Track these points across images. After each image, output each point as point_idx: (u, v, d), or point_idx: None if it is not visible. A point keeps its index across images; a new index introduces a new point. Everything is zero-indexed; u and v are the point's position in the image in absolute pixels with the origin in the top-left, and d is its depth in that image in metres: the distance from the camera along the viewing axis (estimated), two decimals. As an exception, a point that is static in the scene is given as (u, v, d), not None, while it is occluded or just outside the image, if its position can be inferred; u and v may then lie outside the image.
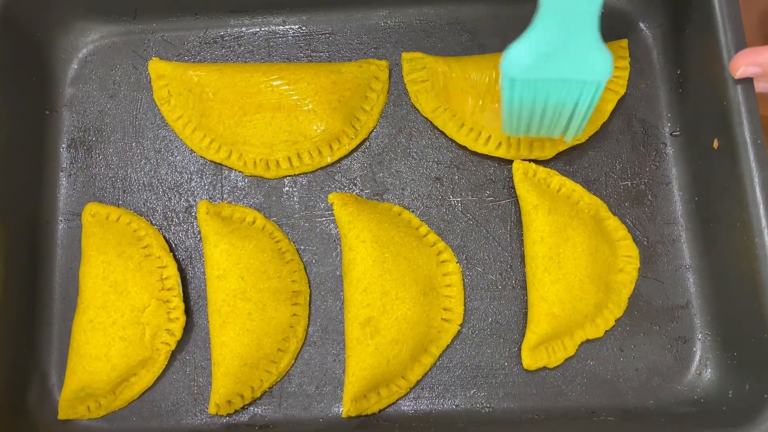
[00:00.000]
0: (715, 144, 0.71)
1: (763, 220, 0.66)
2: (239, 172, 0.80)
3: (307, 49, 0.83)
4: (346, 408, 0.71)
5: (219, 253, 0.74)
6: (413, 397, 0.74)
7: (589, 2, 0.59)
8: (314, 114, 0.78)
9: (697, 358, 0.74)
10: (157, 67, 0.81)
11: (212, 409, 0.72)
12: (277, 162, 0.79)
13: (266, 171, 0.79)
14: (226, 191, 0.80)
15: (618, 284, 0.75)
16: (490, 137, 0.78)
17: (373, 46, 0.83)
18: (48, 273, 0.79)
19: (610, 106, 0.78)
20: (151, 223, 0.79)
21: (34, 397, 0.75)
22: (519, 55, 0.63)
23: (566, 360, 0.74)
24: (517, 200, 0.77)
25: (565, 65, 0.63)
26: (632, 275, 0.75)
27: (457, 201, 0.79)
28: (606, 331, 0.74)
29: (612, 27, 0.81)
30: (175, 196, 0.80)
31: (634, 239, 0.76)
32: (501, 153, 0.77)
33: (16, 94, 0.78)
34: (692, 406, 0.72)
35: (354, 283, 0.73)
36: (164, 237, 0.78)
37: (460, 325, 0.75)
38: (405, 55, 0.81)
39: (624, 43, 0.80)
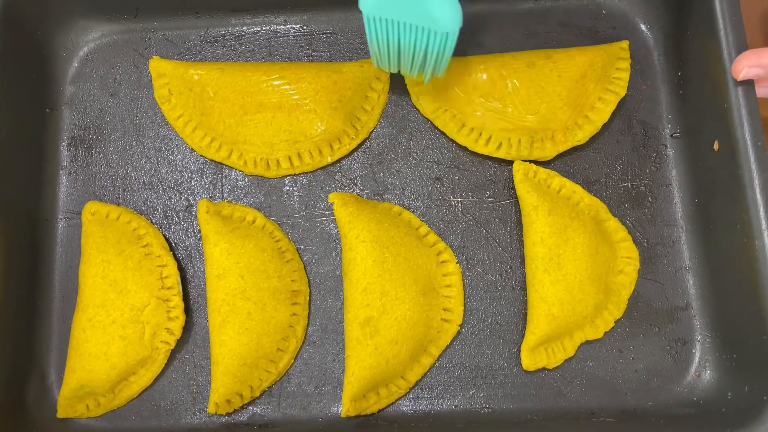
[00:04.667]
0: (716, 146, 0.71)
1: (763, 222, 0.66)
2: (239, 171, 0.80)
3: (308, 49, 0.83)
4: (345, 408, 0.71)
5: (219, 252, 0.74)
6: (412, 398, 0.74)
7: None
8: (315, 113, 0.78)
9: (697, 359, 0.74)
10: (157, 65, 0.81)
11: (211, 409, 0.72)
12: (278, 161, 0.79)
13: (266, 170, 0.79)
14: (226, 190, 0.80)
15: (618, 285, 0.75)
16: (490, 138, 0.78)
17: (374, 46, 0.83)
18: (47, 271, 0.79)
19: (611, 108, 0.78)
20: (151, 222, 0.79)
21: (33, 395, 0.75)
22: None
23: (565, 361, 0.74)
24: (518, 201, 0.77)
25: (410, 11, 0.65)
26: (632, 276, 0.75)
27: (458, 201, 0.79)
28: (605, 332, 0.74)
29: (613, 28, 0.82)
30: (175, 195, 0.80)
31: (634, 240, 0.76)
32: (501, 154, 0.77)
33: (17, 92, 0.78)
34: (691, 408, 0.72)
35: (354, 283, 0.73)
36: (164, 236, 0.78)
37: (459, 326, 0.75)
38: (406, 55, 0.81)
39: (625, 44, 0.80)
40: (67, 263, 0.79)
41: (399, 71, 0.75)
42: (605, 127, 0.78)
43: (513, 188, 0.77)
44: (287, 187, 0.80)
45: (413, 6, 0.64)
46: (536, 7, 0.82)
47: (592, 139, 0.78)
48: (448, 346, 0.75)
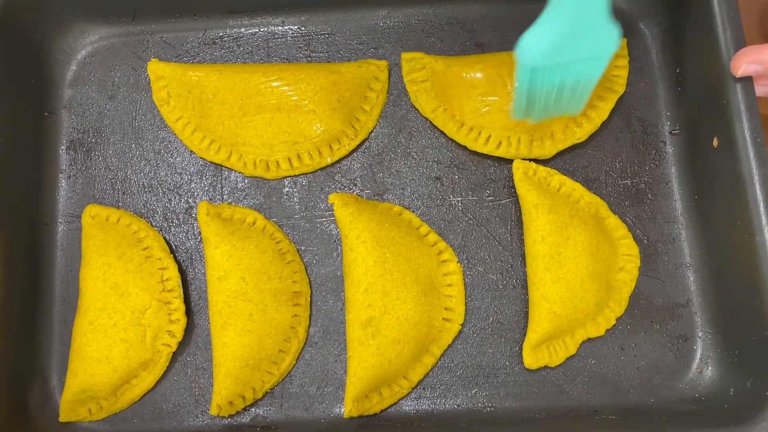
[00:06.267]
0: (715, 142, 0.71)
1: (763, 218, 0.66)
2: (239, 173, 0.80)
3: (306, 50, 0.83)
4: (347, 408, 0.71)
5: (220, 254, 0.74)
6: (415, 397, 0.74)
7: None
8: (314, 114, 0.78)
9: (698, 356, 0.74)
10: (156, 68, 0.81)
11: (214, 411, 0.72)
12: (277, 163, 0.79)
13: (266, 172, 0.79)
14: (226, 192, 0.80)
15: (619, 283, 0.75)
16: (490, 137, 0.78)
17: (373, 46, 0.83)
18: (48, 275, 0.78)
19: (610, 105, 0.78)
20: (152, 225, 0.79)
21: (35, 399, 0.75)
22: (534, 43, 0.64)
23: (567, 359, 0.74)
24: (518, 199, 0.77)
25: (579, 46, 0.64)
26: (633, 274, 0.75)
27: (458, 201, 0.79)
28: (607, 329, 0.74)
29: (611, 26, 0.82)
30: (175, 197, 0.80)
31: (635, 238, 0.76)
32: (501, 152, 0.77)
33: (15, 96, 0.78)
34: (693, 404, 0.72)
35: (355, 284, 0.73)
36: (165, 238, 0.78)
37: (461, 325, 0.75)
38: (404, 55, 0.81)
39: (622, 42, 0.80)
40: (68, 267, 0.79)
41: (542, 117, 0.74)
42: (604, 124, 0.78)
43: (513, 187, 0.77)
44: (287, 189, 0.80)
45: (579, 38, 0.63)
46: (535, 7, 0.82)
47: (592, 137, 0.78)
48: (450, 346, 0.75)
